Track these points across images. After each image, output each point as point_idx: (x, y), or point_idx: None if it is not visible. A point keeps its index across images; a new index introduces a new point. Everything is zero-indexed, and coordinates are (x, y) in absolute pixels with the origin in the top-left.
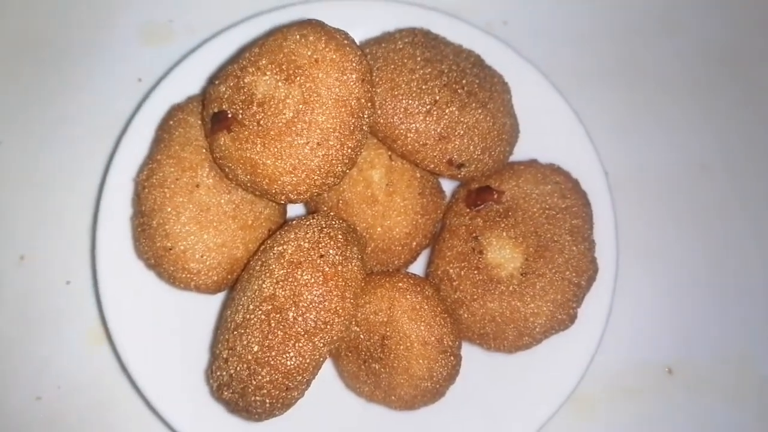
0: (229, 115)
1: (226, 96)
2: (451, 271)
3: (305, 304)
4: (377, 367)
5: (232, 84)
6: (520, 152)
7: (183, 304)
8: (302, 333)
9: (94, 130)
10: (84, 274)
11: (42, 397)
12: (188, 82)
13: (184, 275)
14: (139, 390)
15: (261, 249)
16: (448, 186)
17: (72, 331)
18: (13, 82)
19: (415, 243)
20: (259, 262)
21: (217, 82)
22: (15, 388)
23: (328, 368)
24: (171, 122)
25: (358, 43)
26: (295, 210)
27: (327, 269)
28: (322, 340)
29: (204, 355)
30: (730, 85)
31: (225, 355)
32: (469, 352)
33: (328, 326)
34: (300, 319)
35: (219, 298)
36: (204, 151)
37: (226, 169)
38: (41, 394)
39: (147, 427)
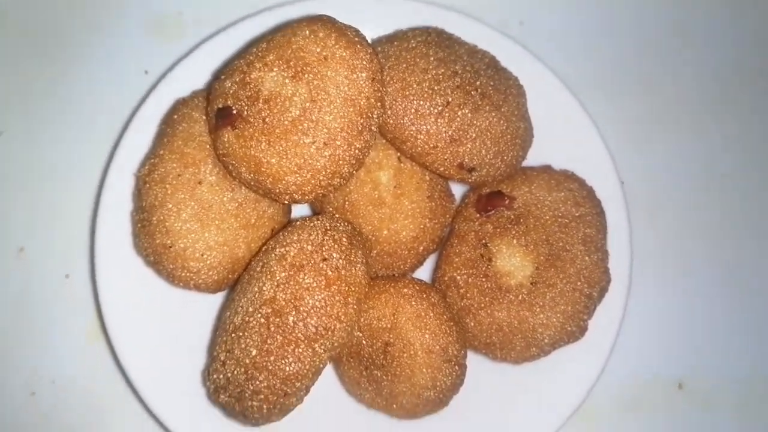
0: (234, 112)
1: (231, 92)
2: (459, 277)
3: (306, 309)
4: (379, 374)
5: (238, 79)
6: (534, 157)
7: (182, 302)
8: (302, 338)
9: (98, 122)
10: (84, 267)
11: (36, 392)
12: (194, 76)
13: (183, 274)
14: (134, 388)
15: (263, 250)
16: (457, 189)
17: (69, 326)
18: (15, 71)
19: (422, 247)
20: (261, 264)
21: (222, 77)
22: (9, 382)
23: (328, 372)
24: (175, 117)
25: (369, 41)
26: (299, 209)
27: (330, 273)
28: (322, 347)
29: (202, 356)
30: (747, 94)
31: (222, 358)
32: (474, 361)
33: (330, 332)
34: (300, 324)
35: (219, 297)
36: (208, 147)
37: (230, 167)
38: (35, 389)
39: (142, 424)
